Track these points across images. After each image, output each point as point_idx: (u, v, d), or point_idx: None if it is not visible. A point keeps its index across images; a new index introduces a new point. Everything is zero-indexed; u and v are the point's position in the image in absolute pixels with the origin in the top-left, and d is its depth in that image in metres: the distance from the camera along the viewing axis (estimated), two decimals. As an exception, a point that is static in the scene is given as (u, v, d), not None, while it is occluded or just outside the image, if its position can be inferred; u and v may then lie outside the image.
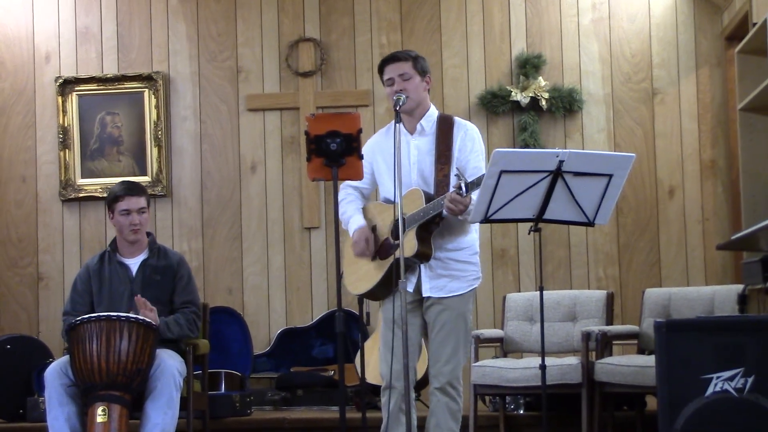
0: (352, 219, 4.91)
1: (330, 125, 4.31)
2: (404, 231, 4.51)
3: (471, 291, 4.85)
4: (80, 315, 5.31)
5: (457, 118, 4.90)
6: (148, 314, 5.24)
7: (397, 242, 4.68)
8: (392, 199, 4.78)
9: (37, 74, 7.69)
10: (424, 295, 4.79)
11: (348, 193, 4.99)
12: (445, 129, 4.82)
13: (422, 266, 4.74)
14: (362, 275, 4.86)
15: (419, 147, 4.82)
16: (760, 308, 5.87)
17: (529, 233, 4.72)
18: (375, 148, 4.94)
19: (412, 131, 4.83)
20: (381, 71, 4.84)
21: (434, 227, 4.71)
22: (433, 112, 4.88)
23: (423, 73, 4.82)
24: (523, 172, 4.46)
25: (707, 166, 7.36)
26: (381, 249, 4.81)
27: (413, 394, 4.84)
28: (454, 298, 4.78)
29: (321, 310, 7.42)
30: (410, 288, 4.75)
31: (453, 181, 4.70)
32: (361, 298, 5.00)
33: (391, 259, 4.71)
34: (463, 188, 4.48)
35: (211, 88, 7.64)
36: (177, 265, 5.62)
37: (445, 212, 4.58)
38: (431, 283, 4.76)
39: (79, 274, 5.66)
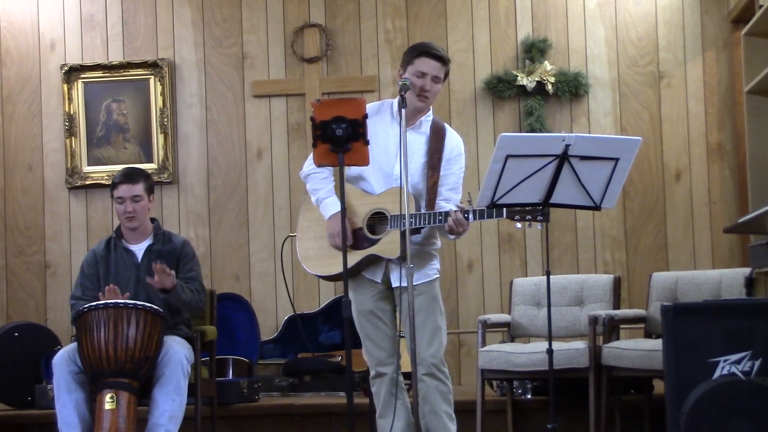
0: (327, 200, 4.76)
1: (335, 111, 4.30)
2: (408, 226, 4.48)
3: (436, 279, 4.85)
4: (88, 299, 5.33)
5: (448, 127, 4.90)
6: (166, 280, 5.24)
7: (375, 237, 4.68)
8: (370, 183, 4.77)
9: (43, 62, 7.69)
10: (393, 285, 4.76)
11: (318, 169, 4.78)
12: (438, 134, 4.81)
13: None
14: (324, 256, 4.78)
15: (410, 141, 4.73)
16: (767, 291, 5.87)
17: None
18: None
19: (409, 124, 4.78)
20: (416, 57, 4.71)
21: (415, 233, 4.70)
22: (431, 113, 4.88)
23: (444, 78, 4.82)
24: (530, 156, 4.46)
25: (714, 150, 7.35)
26: (353, 238, 4.75)
27: (401, 378, 4.83)
28: (423, 284, 4.77)
29: (328, 296, 7.42)
30: (378, 278, 4.75)
31: (440, 189, 4.74)
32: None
33: (364, 253, 4.69)
34: (470, 216, 4.53)
35: (217, 75, 7.63)
36: (181, 247, 5.62)
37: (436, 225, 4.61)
38: (398, 273, 4.71)
39: (85, 259, 5.66)
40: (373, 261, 4.72)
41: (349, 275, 4.69)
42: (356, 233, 4.75)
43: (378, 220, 4.72)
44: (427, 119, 4.84)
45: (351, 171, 4.80)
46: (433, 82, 4.72)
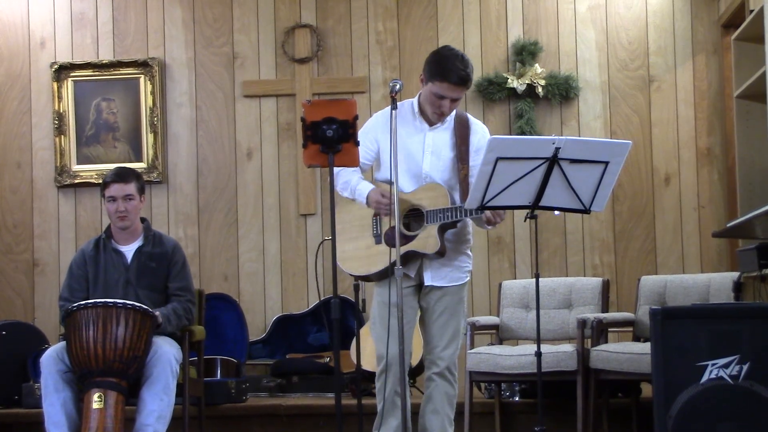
0: (361, 185, 4.80)
1: (326, 111, 4.31)
2: (399, 220, 4.54)
3: (466, 283, 4.90)
4: (77, 300, 5.31)
5: (471, 117, 4.91)
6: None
7: (411, 233, 4.71)
8: (398, 184, 4.78)
9: (33, 60, 7.67)
10: (426, 284, 4.80)
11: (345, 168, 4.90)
12: (463, 126, 4.82)
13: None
14: (363, 256, 4.84)
15: (435, 139, 4.80)
16: (755, 296, 5.88)
17: (525, 220, 4.73)
18: (383, 127, 4.81)
19: (431, 123, 4.81)
20: (436, 80, 4.66)
21: (451, 228, 4.73)
22: None
23: (467, 88, 4.79)
24: (520, 159, 4.46)
25: (703, 154, 7.36)
26: (388, 235, 4.79)
27: (407, 379, 4.84)
28: (452, 287, 4.83)
29: (316, 297, 7.41)
30: (412, 273, 4.76)
31: (471, 180, 4.74)
32: (357, 280, 5.04)
33: (402, 250, 4.68)
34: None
35: (207, 75, 7.62)
36: (172, 251, 5.60)
37: (463, 218, 4.63)
38: (433, 273, 4.79)
39: (74, 259, 5.64)
40: (410, 258, 4.73)
41: (387, 273, 4.76)
42: (393, 231, 4.77)
43: (413, 218, 4.76)
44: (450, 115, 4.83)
45: (381, 175, 4.86)
46: (452, 101, 4.71)
